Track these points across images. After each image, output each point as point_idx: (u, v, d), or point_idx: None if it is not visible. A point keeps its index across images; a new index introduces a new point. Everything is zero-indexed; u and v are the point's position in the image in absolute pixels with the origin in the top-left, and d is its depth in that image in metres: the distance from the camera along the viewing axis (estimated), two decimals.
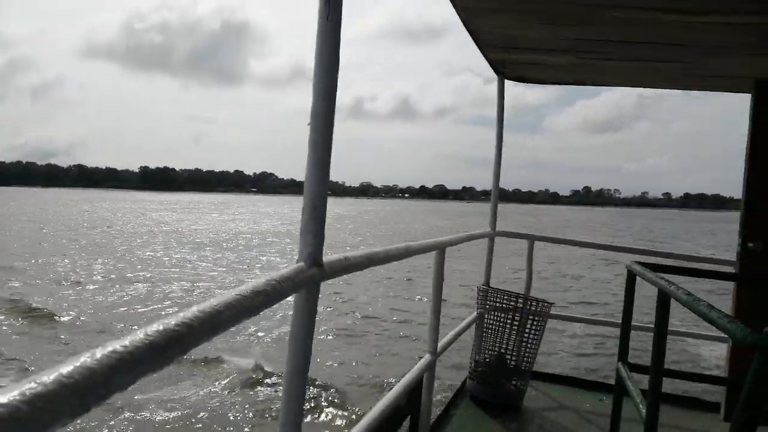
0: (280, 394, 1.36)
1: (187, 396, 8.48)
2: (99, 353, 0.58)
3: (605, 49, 3.75)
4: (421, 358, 2.80)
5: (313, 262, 1.29)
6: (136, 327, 0.68)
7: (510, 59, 4.28)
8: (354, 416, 7.56)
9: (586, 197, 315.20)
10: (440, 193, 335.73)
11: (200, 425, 7.56)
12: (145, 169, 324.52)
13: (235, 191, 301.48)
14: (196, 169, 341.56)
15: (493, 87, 4.84)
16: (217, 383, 9.06)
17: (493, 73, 4.65)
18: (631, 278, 3.01)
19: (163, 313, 13.27)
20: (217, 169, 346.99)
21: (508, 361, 4.17)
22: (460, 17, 3.31)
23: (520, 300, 4.22)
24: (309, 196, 1.30)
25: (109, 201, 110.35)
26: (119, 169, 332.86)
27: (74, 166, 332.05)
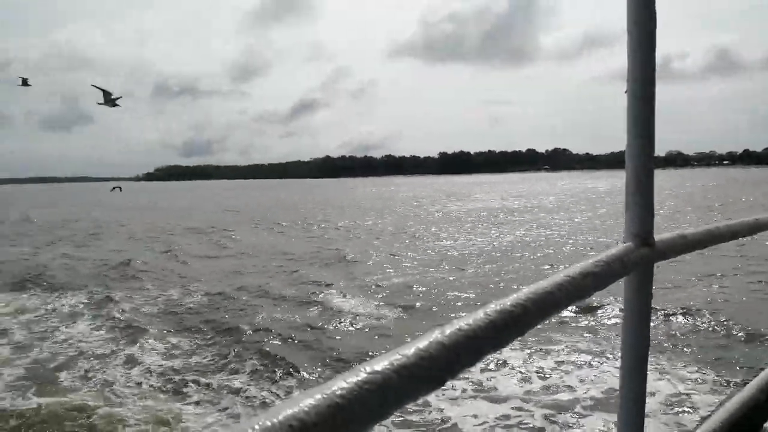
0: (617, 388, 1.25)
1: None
2: (447, 329, 0.61)
3: None
4: None
5: (642, 240, 1.16)
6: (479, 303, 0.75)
7: None
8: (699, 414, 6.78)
9: None
10: None
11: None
12: (443, 155, 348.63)
13: (527, 170, 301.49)
14: (489, 151, 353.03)
15: None
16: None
17: None
18: None
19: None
20: (509, 150, 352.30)
21: None
22: None
23: None
24: (632, 168, 1.19)
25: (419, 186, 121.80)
26: (421, 156, 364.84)
27: (385, 156, 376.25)
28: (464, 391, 7.73)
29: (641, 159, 1.19)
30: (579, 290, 0.88)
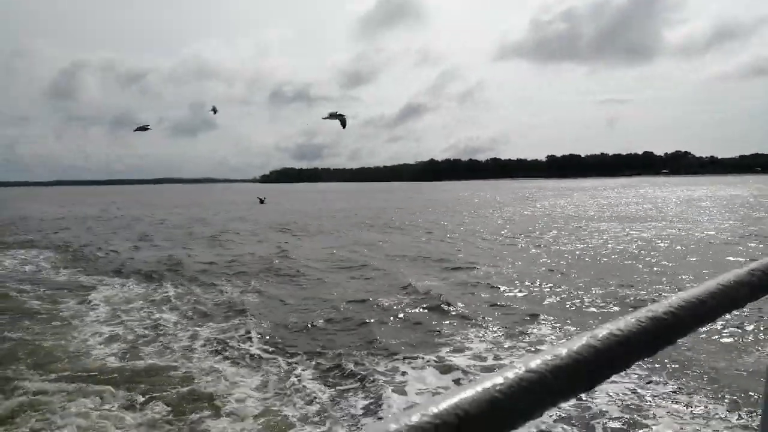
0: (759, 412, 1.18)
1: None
2: (599, 333, 0.61)
3: None
4: None
5: None
6: (630, 309, 0.75)
7: None
8: None
9: None
10: None
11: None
12: (551, 158, 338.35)
13: (643, 174, 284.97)
14: (602, 153, 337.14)
15: None
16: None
17: None
18: None
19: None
20: (623, 152, 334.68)
21: None
22: None
23: None
24: None
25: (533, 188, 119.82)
26: (528, 159, 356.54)
27: (490, 159, 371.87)
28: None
29: None
30: (732, 300, 0.83)
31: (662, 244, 23.99)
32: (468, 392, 0.49)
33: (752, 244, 22.87)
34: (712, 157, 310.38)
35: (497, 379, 0.51)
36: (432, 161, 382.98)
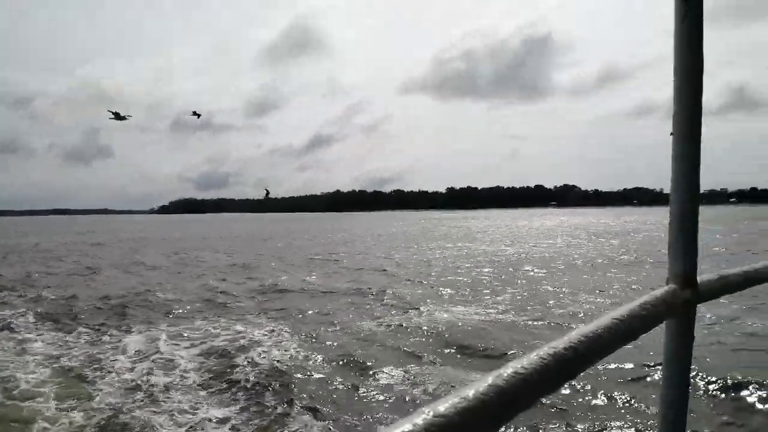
0: None
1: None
2: (504, 373, 0.63)
3: None
4: None
5: (686, 282, 1.14)
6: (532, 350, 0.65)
7: None
8: None
9: None
10: None
11: None
12: (451, 190, 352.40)
13: (535, 206, 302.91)
14: (497, 186, 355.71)
15: None
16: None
17: None
18: None
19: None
20: (517, 186, 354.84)
21: None
22: None
23: None
24: (677, 207, 1.16)
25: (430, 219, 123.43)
26: (429, 191, 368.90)
27: (394, 191, 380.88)
28: None
29: (686, 199, 1.16)
30: (626, 333, 0.87)
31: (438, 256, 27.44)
32: None
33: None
34: (596, 190, 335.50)
35: (404, 427, 0.52)
36: (338, 193, 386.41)
